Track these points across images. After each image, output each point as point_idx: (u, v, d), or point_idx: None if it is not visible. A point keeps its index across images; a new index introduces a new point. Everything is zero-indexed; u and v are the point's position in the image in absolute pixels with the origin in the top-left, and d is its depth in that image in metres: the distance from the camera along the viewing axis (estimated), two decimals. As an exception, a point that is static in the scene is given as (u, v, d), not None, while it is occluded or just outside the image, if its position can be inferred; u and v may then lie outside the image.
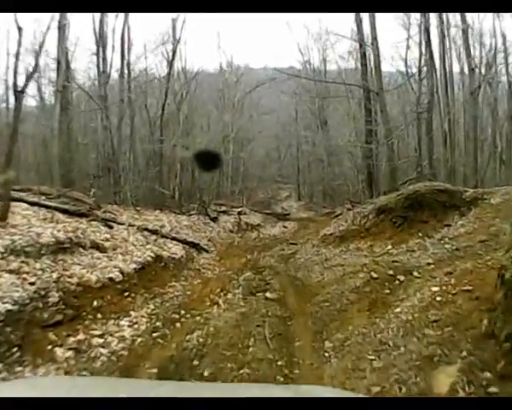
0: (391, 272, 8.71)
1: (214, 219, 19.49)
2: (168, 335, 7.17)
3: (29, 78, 12.87)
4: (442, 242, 10.12)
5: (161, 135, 21.36)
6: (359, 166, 23.65)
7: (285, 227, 23.98)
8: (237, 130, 31.61)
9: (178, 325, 7.68)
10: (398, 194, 13.13)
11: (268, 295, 9.15)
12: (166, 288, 9.83)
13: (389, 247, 11.40)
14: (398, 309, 6.70)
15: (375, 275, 8.75)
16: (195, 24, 45.99)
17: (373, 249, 11.77)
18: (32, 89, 23.46)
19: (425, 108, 17.54)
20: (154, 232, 13.48)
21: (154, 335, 7.14)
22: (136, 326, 7.47)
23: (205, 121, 30.59)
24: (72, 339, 6.56)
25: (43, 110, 24.35)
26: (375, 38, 17.69)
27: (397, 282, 8.23)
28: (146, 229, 13.48)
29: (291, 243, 17.21)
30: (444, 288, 6.79)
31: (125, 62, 21.68)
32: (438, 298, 6.50)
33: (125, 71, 21.95)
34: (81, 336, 6.70)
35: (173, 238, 13.75)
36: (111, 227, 12.36)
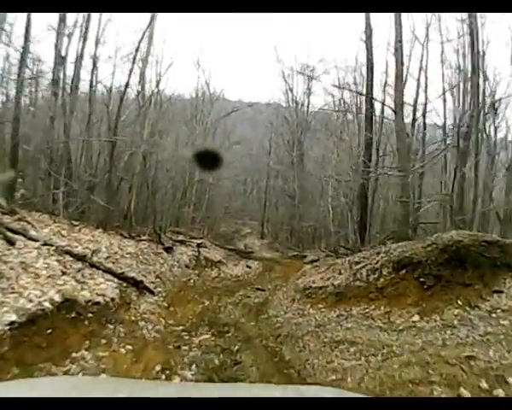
0: (484, 384, 4.84)
1: (168, 250, 15.19)
2: None
3: None
4: (494, 315, 7.22)
5: (114, 134, 16.60)
6: (345, 205, 19.56)
7: (249, 267, 20.00)
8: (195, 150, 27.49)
9: None
10: (428, 243, 9.24)
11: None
12: (66, 362, 5.43)
13: (415, 318, 7.95)
14: None
15: (464, 391, 4.76)
16: (176, 43, 42.31)
17: (390, 319, 8.21)
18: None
19: (462, 134, 13.45)
20: (80, 258, 9.20)
21: None
22: None
23: (172, 136, 26.15)
24: None
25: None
26: (399, 41, 13.79)
27: (499, 403, 4.38)
28: (69, 252, 9.16)
29: (257, 289, 13.76)
30: None
31: (86, 46, 17.27)
32: None
33: (89, 59, 17.63)
34: None
35: (106, 270, 9.43)
36: (12, 243, 8.09)
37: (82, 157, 17.84)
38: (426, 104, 18.94)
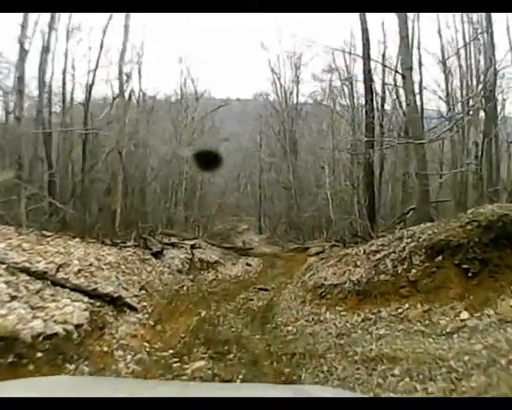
0: None
1: (157, 255, 13.18)
2: None
3: None
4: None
5: (85, 124, 14.59)
6: (348, 189, 17.56)
7: (249, 265, 18.20)
8: (195, 150, 25.72)
9: None
10: (466, 221, 7.31)
11: None
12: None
13: (464, 315, 6.12)
14: None
15: None
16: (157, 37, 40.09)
17: (432, 319, 6.32)
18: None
19: (487, 90, 11.31)
20: (40, 277, 7.24)
21: None
22: None
23: (158, 133, 23.96)
24: None
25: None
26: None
27: None
28: (26, 270, 7.21)
29: (260, 289, 12.15)
30: None
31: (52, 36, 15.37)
32: None
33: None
34: None
35: (74, 288, 7.46)
36: None
37: (58, 160, 16.02)
38: (421, 74, 17.18)
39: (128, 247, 12.62)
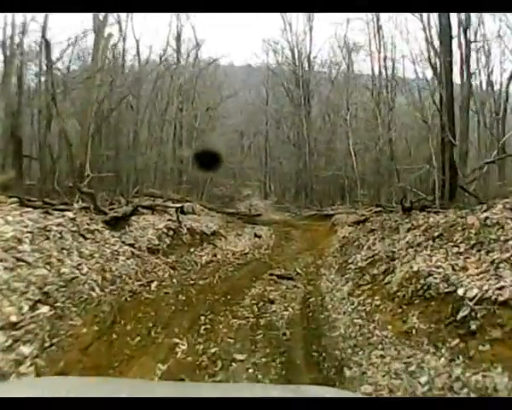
0: None
1: (117, 223, 7.69)
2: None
3: None
4: None
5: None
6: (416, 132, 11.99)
7: (258, 237, 12.86)
8: (193, 100, 21.17)
9: None
10: None
11: None
12: None
13: None
14: None
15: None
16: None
17: None
18: None
19: None
20: None
21: None
22: None
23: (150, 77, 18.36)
24: None
25: None
26: None
27: None
28: None
29: (280, 277, 7.56)
30: None
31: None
32: None
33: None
34: None
35: None
36: None
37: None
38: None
39: (68, 210, 7.24)
